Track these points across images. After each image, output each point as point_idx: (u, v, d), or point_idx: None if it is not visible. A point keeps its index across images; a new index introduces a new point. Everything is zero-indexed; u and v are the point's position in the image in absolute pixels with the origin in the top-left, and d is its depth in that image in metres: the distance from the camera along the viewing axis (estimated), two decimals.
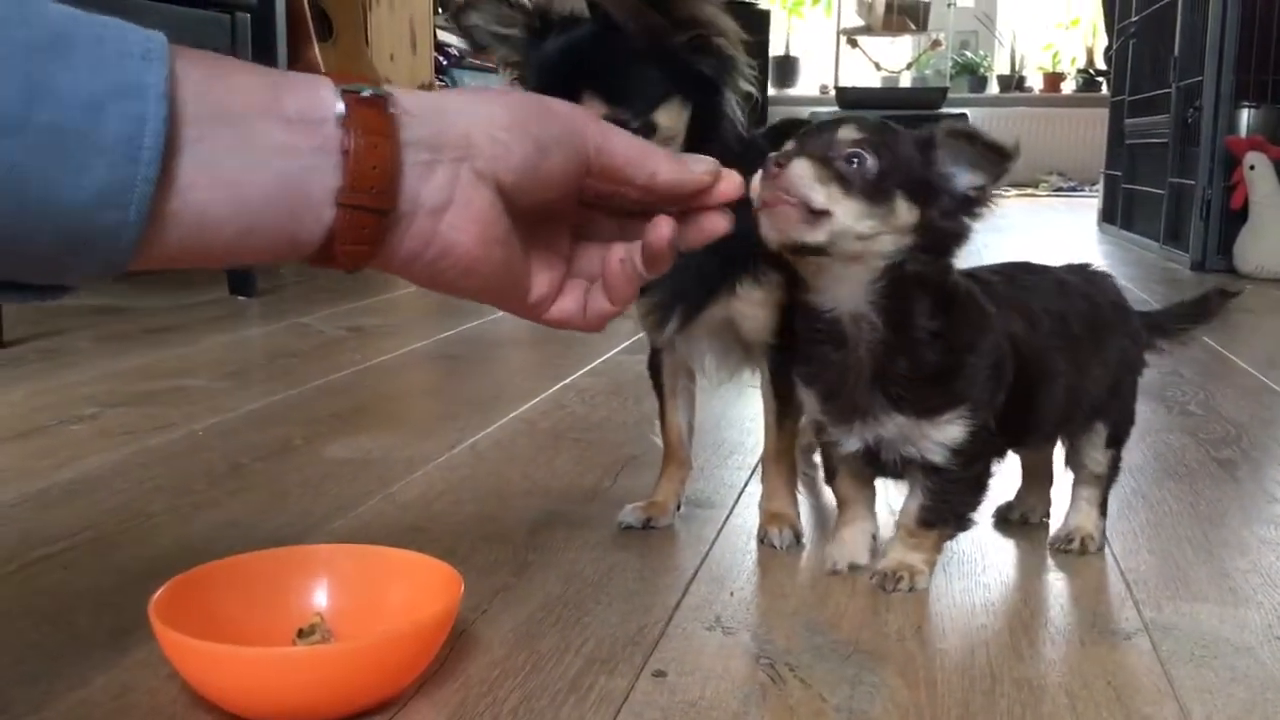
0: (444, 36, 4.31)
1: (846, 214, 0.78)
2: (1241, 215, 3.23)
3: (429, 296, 2.35)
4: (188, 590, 0.72)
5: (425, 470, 1.20)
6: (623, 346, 1.85)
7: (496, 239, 0.60)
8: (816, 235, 0.79)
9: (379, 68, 3.79)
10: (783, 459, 1.01)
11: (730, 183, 0.66)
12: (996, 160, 0.80)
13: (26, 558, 0.93)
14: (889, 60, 7.83)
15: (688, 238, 0.66)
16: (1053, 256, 1.08)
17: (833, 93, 7.47)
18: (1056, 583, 0.94)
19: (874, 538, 0.96)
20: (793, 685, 0.72)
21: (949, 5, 7.69)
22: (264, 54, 2.46)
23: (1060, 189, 7.25)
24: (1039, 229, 4.65)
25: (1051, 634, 0.82)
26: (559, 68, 0.87)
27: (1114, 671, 0.75)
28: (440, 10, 4.19)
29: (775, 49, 7.69)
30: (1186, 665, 0.76)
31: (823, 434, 0.93)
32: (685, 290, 0.94)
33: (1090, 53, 7.86)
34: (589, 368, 1.74)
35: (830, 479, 0.98)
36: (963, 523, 0.92)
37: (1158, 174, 3.85)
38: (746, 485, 1.15)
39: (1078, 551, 0.98)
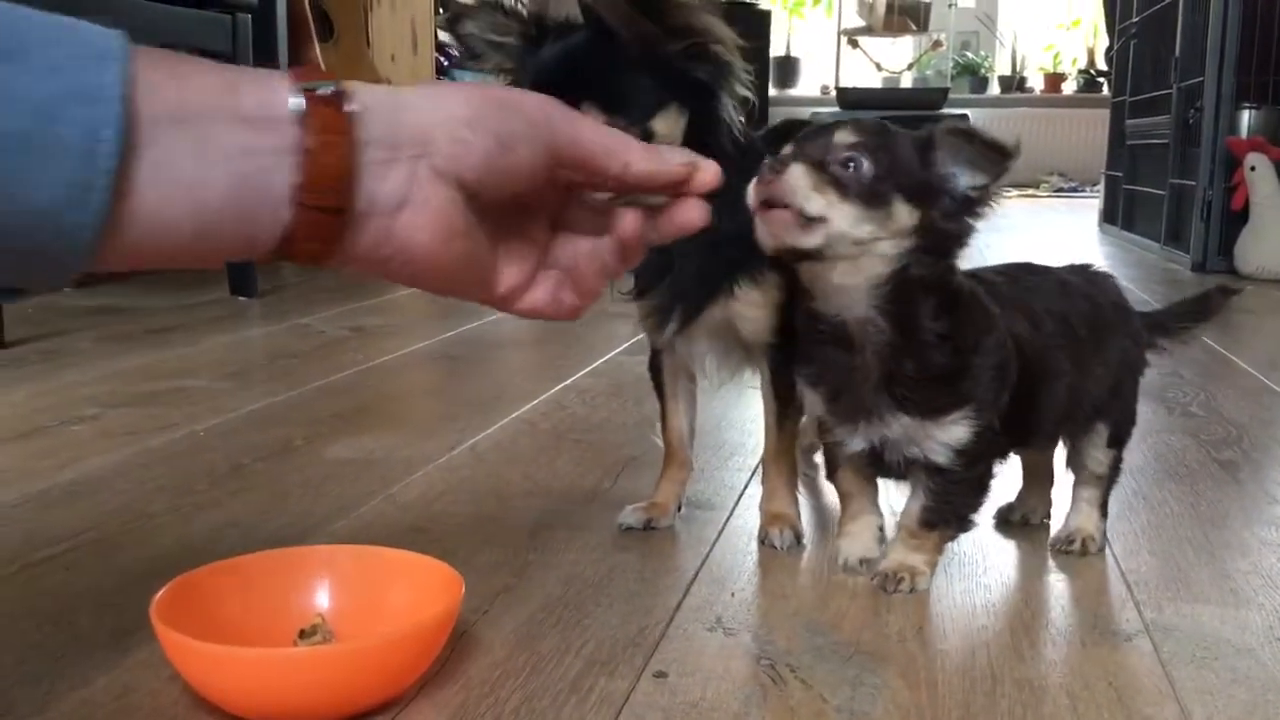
0: (445, 37, 4.32)
1: (842, 219, 0.78)
2: (1242, 216, 3.23)
3: (430, 297, 2.35)
4: (189, 591, 0.72)
5: (426, 471, 1.20)
6: (623, 347, 1.86)
7: (456, 236, 0.60)
8: (812, 240, 0.79)
9: (380, 68, 3.79)
10: (783, 460, 1.01)
11: (707, 173, 0.65)
12: (997, 159, 0.80)
13: (29, 558, 0.93)
14: (890, 61, 7.83)
15: (661, 230, 0.66)
16: (1054, 257, 1.08)
17: (833, 93, 7.46)
18: (1057, 584, 0.94)
19: (881, 530, 0.96)
20: (794, 686, 0.72)
21: (950, 6, 7.69)
22: (265, 55, 2.47)
23: (1061, 190, 7.24)
24: (1040, 229, 4.65)
25: (1052, 635, 0.82)
26: (555, 76, 0.87)
27: (1115, 673, 0.75)
28: (441, 11, 4.19)
29: (776, 49, 7.69)
30: (1187, 666, 0.76)
31: (826, 433, 0.93)
32: (684, 292, 0.94)
33: (1091, 53, 7.85)
34: (590, 368, 1.74)
35: (832, 474, 0.98)
36: (964, 524, 0.92)
37: (1159, 175, 3.85)
38: (747, 486, 1.15)
39: (1079, 553, 0.98)
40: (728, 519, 1.06)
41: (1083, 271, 1.03)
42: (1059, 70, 8.09)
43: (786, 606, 0.87)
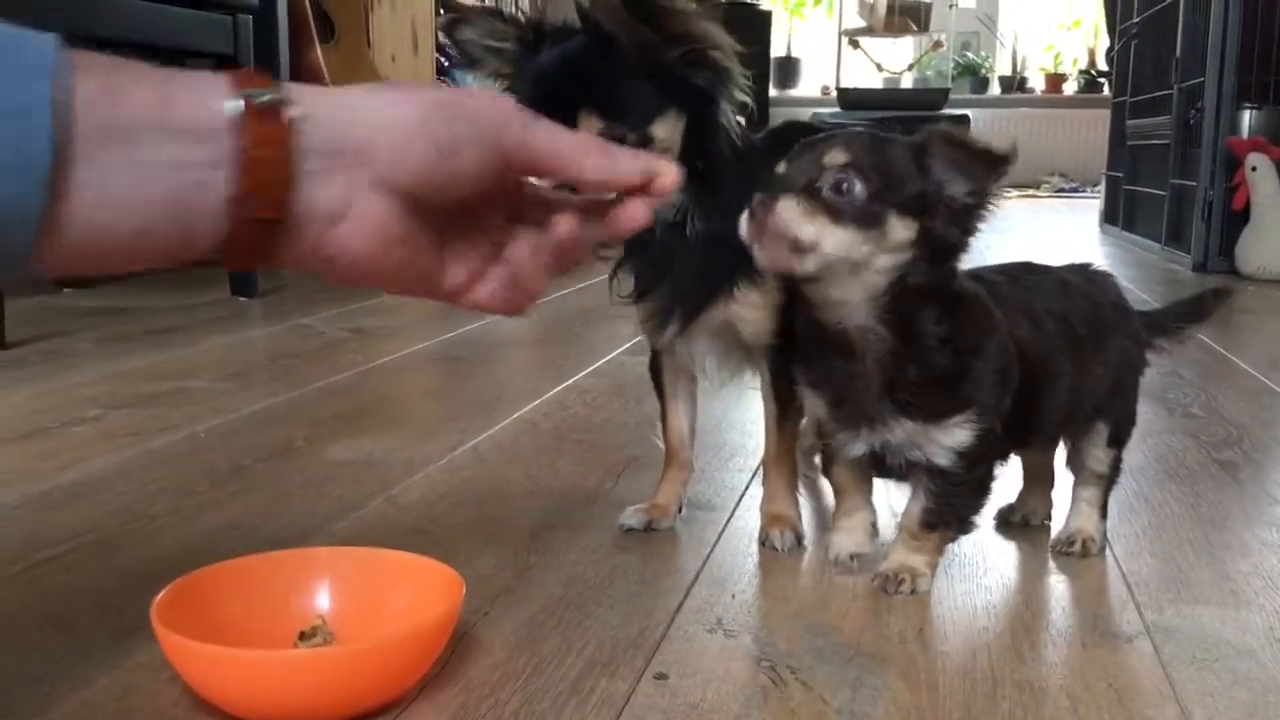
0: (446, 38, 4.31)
1: (836, 244, 0.78)
2: (1243, 216, 3.23)
3: None
4: (189, 593, 0.72)
5: (427, 472, 1.20)
6: (625, 348, 1.86)
7: (395, 243, 0.60)
8: (808, 267, 0.79)
9: (381, 69, 3.79)
10: (784, 461, 1.01)
11: (666, 178, 0.65)
12: (990, 166, 0.79)
13: (29, 560, 0.93)
14: (891, 61, 7.83)
15: (609, 228, 0.66)
16: (1055, 257, 1.08)
17: (834, 94, 7.46)
18: (1058, 585, 0.94)
19: (874, 525, 0.96)
20: (794, 688, 0.72)
21: (951, 6, 7.68)
22: (266, 55, 2.47)
23: (1062, 190, 7.24)
24: (1041, 230, 4.65)
25: (1053, 636, 0.82)
26: (553, 81, 0.87)
27: (1115, 674, 0.75)
28: (442, 12, 4.19)
29: (777, 50, 7.69)
30: (1188, 668, 0.76)
31: (825, 435, 0.93)
32: (684, 294, 0.94)
33: (1092, 54, 7.85)
34: (591, 369, 1.74)
35: (827, 468, 0.98)
36: (965, 525, 0.92)
37: (1159, 175, 3.85)
38: (748, 487, 1.15)
39: (1079, 554, 0.98)
40: (728, 520, 1.06)
41: (1082, 271, 1.02)
42: (1060, 71, 8.09)
43: (787, 608, 0.87)
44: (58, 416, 1.43)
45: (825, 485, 1.04)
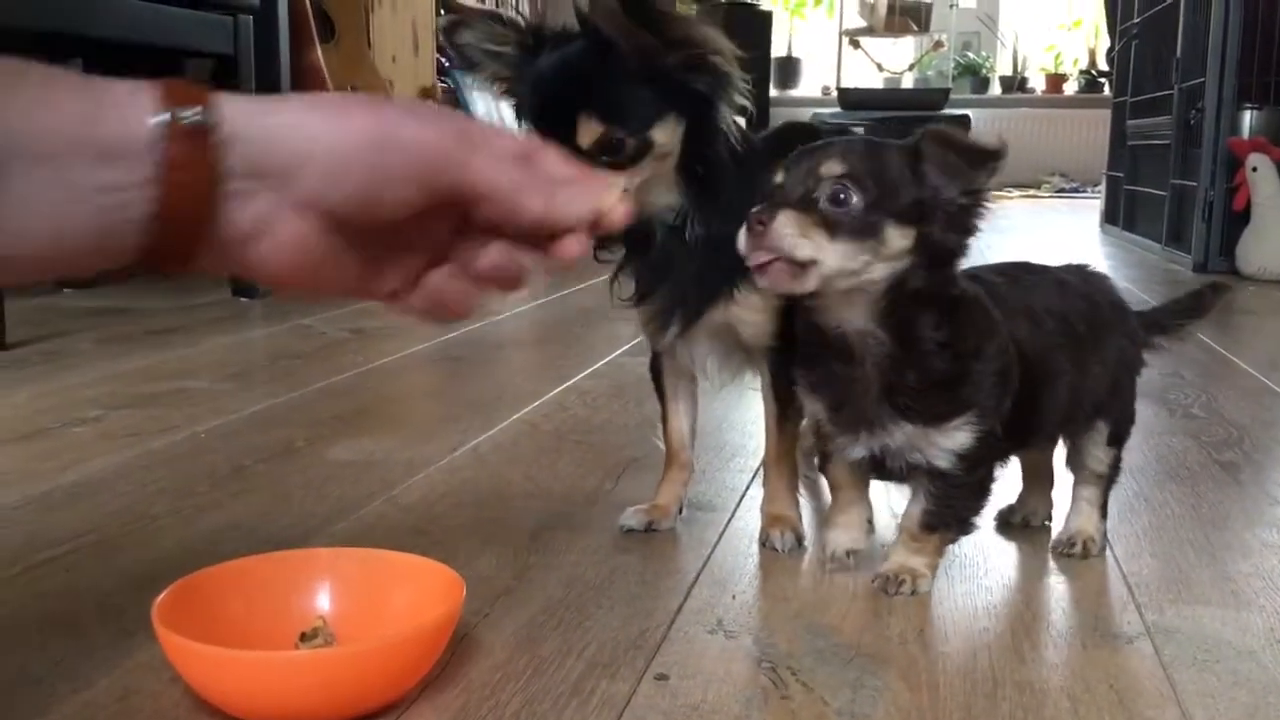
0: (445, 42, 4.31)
1: (835, 259, 0.78)
2: (1244, 217, 3.23)
3: None
4: (190, 593, 0.72)
5: (427, 472, 1.20)
6: (625, 348, 1.85)
7: (315, 263, 0.60)
8: (808, 284, 0.79)
9: (381, 69, 3.79)
10: (784, 462, 1.01)
11: (614, 217, 0.64)
12: (981, 162, 0.79)
13: (30, 560, 0.93)
14: (891, 61, 7.83)
15: (547, 259, 0.65)
16: (1055, 257, 1.08)
17: (835, 94, 7.47)
18: (1058, 586, 0.94)
19: (870, 522, 0.97)
20: (795, 689, 0.72)
21: (951, 6, 7.69)
22: (266, 56, 2.47)
23: (1062, 190, 7.24)
24: (1041, 230, 4.65)
25: (1053, 637, 0.82)
26: (552, 86, 0.87)
27: (1116, 675, 0.75)
28: (442, 12, 4.19)
29: (777, 50, 7.69)
30: (1189, 669, 0.76)
31: (823, 439, 0.93)
32: (684, 296, 0.94)
33: (1092, 54, 7.85)
34: (591, 369, 1.74)
35: (824, 465, 0.98)
36: (965, 526, 0.92)
37: (1160, 175, 3.85)
38: (748, 488, 1.15)
39: (1079, 554, 0.98)
40: (729, 521, 1.06)
41: (1079, 271, 1.03)
42: (1060, 71, 8.09)
43: (788, 609, 0.87)
44: (58, 417, 1.43)
45: (826, 486, 1.04)
